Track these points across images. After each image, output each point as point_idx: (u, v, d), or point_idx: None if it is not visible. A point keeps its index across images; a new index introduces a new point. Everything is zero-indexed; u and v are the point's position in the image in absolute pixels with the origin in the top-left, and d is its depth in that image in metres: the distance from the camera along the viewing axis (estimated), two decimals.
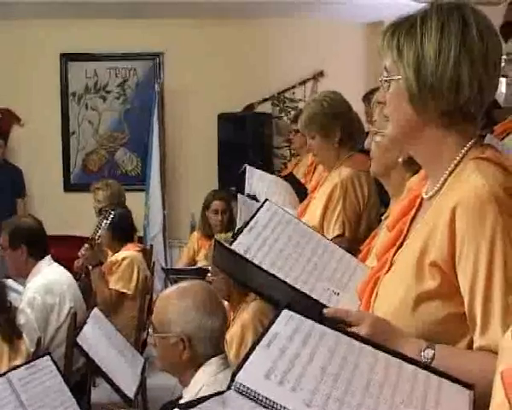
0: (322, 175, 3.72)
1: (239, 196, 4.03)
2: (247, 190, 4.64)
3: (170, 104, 7.51)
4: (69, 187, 7.67)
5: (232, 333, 3.21)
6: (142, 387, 3.77)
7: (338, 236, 3.07)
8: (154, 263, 5.57)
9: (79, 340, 3.32)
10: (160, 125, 7.25)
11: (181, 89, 7.53)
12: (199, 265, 5.33)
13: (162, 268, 5.76)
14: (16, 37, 7.47)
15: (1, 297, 3.11)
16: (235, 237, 1.80)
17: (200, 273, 4.21)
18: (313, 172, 4.77)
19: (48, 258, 3.94)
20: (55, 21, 7.39)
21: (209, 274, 3.58)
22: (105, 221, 4.53)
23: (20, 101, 7.58)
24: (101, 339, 3.53)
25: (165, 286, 6.68)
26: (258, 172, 4.40)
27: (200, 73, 7.53)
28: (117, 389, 3.35)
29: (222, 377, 2.39)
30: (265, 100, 7.75)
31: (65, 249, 5.07)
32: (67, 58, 7.64)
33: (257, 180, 4.28)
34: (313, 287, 1.67)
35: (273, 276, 1.64)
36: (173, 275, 5.09)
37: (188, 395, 2.43)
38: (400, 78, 1.49)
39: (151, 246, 6.13)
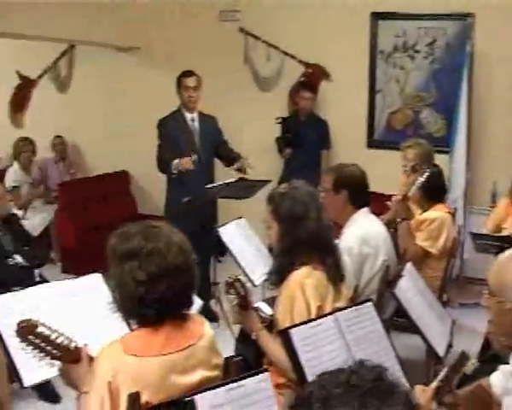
0: None
1: None
2: None
3: (480, 67, 7.23)
4: (372, 144, 7.77)
5: None
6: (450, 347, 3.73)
7: None
8: (459, 226, 5.48)
9: (397, 292, 3.37)
10: (469, 87, 7.03)
11: (491, 52, 7.22)
12: (504, 232, 5.15)
13: (470, 233, 5.63)
14: None
15: (326, 240, 3.22)
16: None
17: (509, 241, 4.05)
18: None
19: (366, 209, 4.04)
20: None
21: None
22: (420, 179, 4.54)
23: (330, 57, 7.78)
24: (414, 294, 3.56)
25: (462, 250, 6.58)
26: None
27: None
28: (428, 346, 3.36)
29: None
30: None
31: None
32: (378, 17, 7.67)
33: None
34: None
35: None
36: (480, 240, 4.96)
37: None
38: None
39: (455, 209, 6.03)
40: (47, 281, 4.53)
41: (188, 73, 6.15)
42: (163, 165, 6.04)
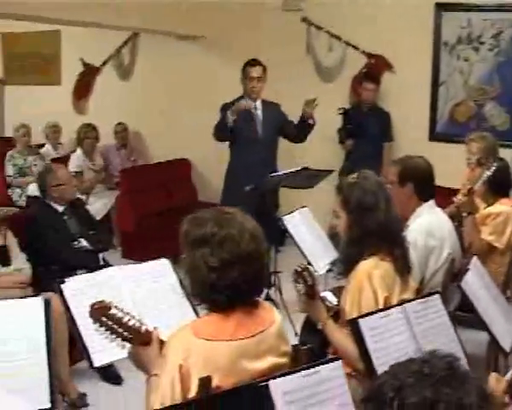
0: None
1: None
2: None
3: None
4: (434, 136, 7.68)
5: None
6: None
7: None
8: None
9: (463, 285, 3.35)
10: None
11: None
12: None
13: None
14: None
15: (395, 231, 3.22)
16: None
17: None
18: None
19: (432, 202, 4.01)
20: None
21: None
22: (487, 173, 4.49)
23: (393, 48, 7.71)
24: (480, 288, 3.52)
25: None
26: None
27: None
28: (494, 340, 3.33)
29: None
30: None
31: None
32: (442, 8, 7.56)
33: None
34: None
35: None
36: None
37: None
38: None
39: None
40: (110, 265, 4.61)
41: (253, 63, 6.18)
42: (219, 130, 6.12)
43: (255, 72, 6.14)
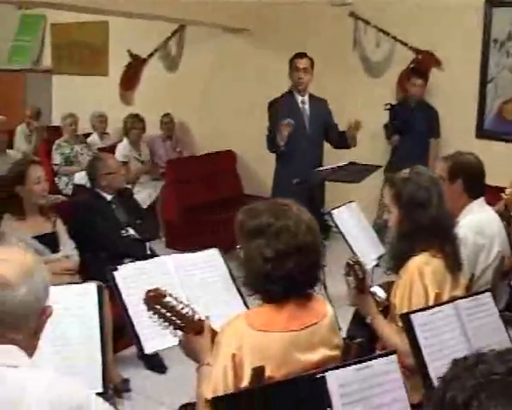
0: None
1: None
2: None
3: None
4: (481, 134, 7.58)
5: None
6: None
7: None
8: None
9: None
10: None
11: None
12: None
13: None
14: None
15: (447, 227, 3.20)
16: None
17: None
18: None
19: (481, 199, 3.97)
20: None
21: None
22: None
23: (441, 44, 7.63)
24: None
25: None
26: None
27: None
28: None
29: None
30: None
31: None
32: (492, 4, 7.46)
33: None
34: None
35: None
36: None
37: None
38: None
39: None
40: (157, 255, 4.65)
41: (299, 55, 6.20)
42: (271, 144, 6.11)
43: (302, 63, 6.15)
